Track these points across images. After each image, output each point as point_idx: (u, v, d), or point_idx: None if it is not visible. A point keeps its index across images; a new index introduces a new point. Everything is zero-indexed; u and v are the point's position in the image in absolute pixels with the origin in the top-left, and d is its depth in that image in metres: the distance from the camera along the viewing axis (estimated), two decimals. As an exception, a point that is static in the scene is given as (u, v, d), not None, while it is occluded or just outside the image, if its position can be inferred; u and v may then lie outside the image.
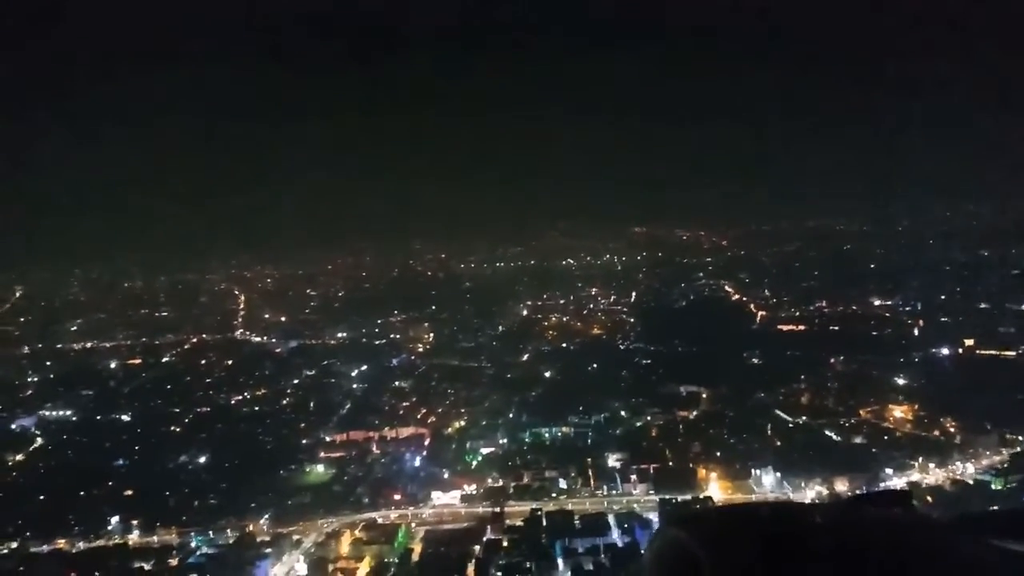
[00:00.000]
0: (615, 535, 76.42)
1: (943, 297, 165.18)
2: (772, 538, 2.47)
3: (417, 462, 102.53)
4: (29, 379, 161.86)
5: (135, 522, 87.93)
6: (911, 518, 3.22)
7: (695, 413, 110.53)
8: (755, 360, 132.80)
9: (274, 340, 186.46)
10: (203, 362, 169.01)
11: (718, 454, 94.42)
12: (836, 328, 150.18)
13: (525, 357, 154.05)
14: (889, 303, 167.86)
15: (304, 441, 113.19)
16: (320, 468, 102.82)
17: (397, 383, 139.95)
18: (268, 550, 77.88)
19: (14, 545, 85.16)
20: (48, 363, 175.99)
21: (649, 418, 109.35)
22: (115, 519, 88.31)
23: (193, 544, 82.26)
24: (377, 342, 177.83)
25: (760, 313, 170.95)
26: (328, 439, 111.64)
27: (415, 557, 76.12)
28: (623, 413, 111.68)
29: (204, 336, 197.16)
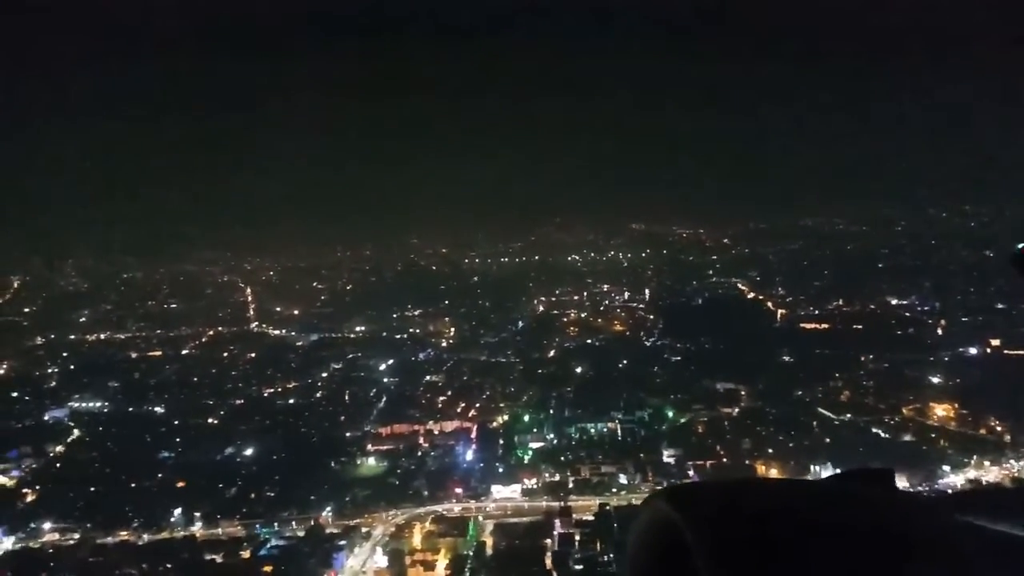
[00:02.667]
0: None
1: (958, 297, 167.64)
2: (757, 514, 2.55)
3: (468, 456, 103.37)
4: (49, 370, 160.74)
5: (197, 514, 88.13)
6: (895, 497, 3.33)
7: (737, 410, 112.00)
8: (785, 358, 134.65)
9: (293, 333, 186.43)
10: (225, 355, 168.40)
11: (770, 451, 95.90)
12: (859, 327, 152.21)
13: (552, 353, 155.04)
14: (905, 302, 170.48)
15: (348, 434, 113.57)
16: (371, 461, 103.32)
17: (429, 377, 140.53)
18: (342, 542, 78.36)
19: (77, 536, 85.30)
20: (64, 354, 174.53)
21: (693, 414, 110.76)
22: (178, 511, 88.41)
23: (261, 536, 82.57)
24: (398, 336, 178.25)
25: (780, 311, 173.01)
26: (374, 432, 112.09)
27: (489, 550, 76.98)
28: (666, 409, 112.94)
29: (220, 329, 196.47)
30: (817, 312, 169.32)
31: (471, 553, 76.01)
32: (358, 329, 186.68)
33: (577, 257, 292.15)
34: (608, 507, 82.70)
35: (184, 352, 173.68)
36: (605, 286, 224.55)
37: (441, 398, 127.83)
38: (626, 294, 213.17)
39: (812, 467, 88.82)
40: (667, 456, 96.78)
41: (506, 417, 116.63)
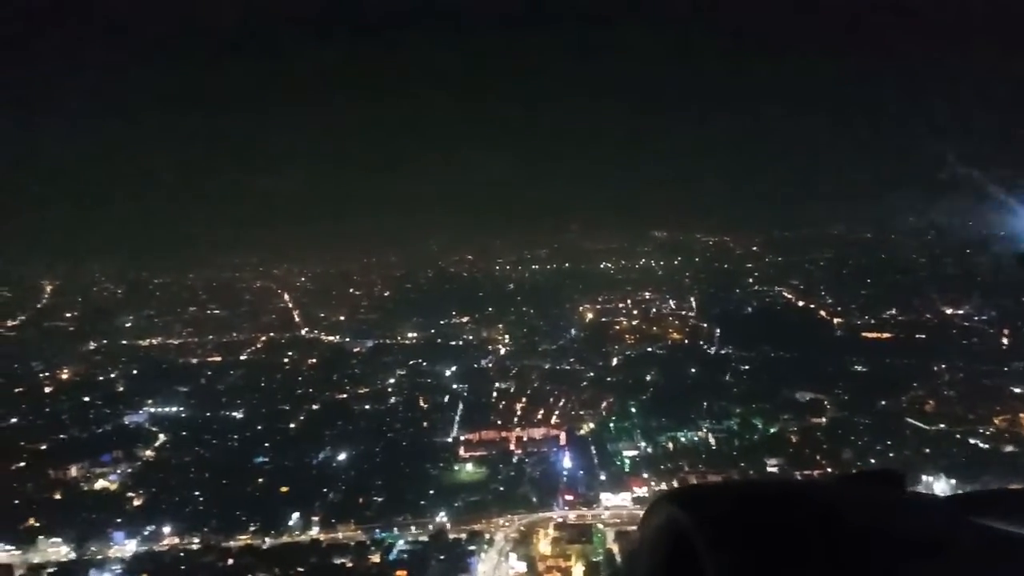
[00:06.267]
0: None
1: (1015, 306, 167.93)
2: (765, 515, 2.57)
3: (566, 463, 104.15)
4: (112, 375, 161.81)
5: (315, 518, 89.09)
6: (906, 497, 3.37)
7: (825, 420, 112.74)
8: (857, 367, 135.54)
9: (348, 339, 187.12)
10: (285, 361, 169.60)
11: (872, 462, 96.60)
12: (923, 336, 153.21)
13: (615, 361, 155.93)
14: (961, 312, 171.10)
15: (437, 440, 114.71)
16: (469, 467, 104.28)
17: (499, 384, 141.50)
18: (471, 547, 79.29)
19: (197, 540, 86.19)
20: (123, 360, 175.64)
21: (782, 424, 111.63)
22: (296, 515, 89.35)
23: (386, 542, 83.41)
24: (452, 343, 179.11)
25: (836, 320, 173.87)
26: (464, 438, 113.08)
27: (617, 557, 77.81)
28: (754, 419, 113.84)
29: (272, 335, 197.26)
30: (873, 321, 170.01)
31: (601, 560, 76.95)
32: (411, 335, 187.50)
33: (609, 265, 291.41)
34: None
35: (243, 358, 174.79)
36: (647, 294, 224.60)
37: (518, 405, 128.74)
38: (672, 302, 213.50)
39: (926, 478, 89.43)
40: (770, 466, 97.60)
41: (592, 425, 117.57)
